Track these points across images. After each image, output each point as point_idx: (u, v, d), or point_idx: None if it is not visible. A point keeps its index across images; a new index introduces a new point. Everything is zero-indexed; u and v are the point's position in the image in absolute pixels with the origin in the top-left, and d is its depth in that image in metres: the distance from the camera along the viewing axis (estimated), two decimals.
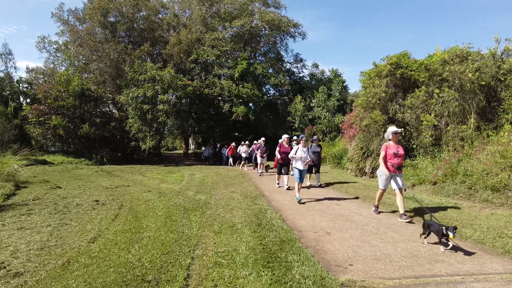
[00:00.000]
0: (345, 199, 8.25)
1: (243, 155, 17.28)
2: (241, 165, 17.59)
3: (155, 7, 27.71)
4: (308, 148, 7.99)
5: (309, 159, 7.87)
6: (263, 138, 15.01)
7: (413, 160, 10.81)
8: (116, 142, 23.24)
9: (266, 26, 26.44)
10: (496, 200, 6.85)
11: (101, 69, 24.46)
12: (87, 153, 21.29)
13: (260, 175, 13.73)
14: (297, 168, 7.85)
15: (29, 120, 21.09)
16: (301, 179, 7.86)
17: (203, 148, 26.92)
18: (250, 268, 3.56)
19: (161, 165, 21.09)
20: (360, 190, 9.36)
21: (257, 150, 14.89)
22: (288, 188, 9.64)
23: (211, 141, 28.07)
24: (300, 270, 3.48)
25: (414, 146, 11.09)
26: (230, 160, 19.92)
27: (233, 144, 19.98)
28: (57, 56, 31.58)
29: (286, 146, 9.75)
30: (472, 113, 9.75)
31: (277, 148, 10.07)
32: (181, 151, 46.89)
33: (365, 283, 3.25)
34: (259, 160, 14.64)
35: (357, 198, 8.33)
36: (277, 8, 27.51)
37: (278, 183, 10.38)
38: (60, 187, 9.84)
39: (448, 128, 10.12)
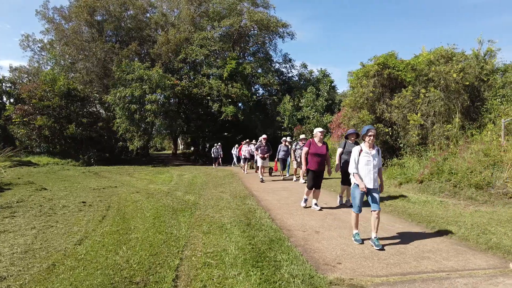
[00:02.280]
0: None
1: (246, 156, 15.58)
2: (247, 167, 15.71)
3: (143, 6, 27.39)
4: (378, 150, 4.60)
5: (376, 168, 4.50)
6: (264, 136, 12.64)
7: (400, 159, 10.99)
8: (104, 143, 22.88)
9: (255, 26, 26.47)
10: (479, 197, 7.04)
11: (87, 69, 24.08)
12: (74, 154, 20.93)
13: (261, 181, 11.36)
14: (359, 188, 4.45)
15: (13, 120, 20.59)
16: (361, 208, 4.56)
17: (192, 148, 26.35)
18: (239, 268, 3.55)
19: (150, 166, 20.87)
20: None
21: (257, 150, 12.53)
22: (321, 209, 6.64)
23: (200, 139, 27.56)
24: (289, 269, 3.49)
25: (401, 145, 11.28)
26: (239, 160, 18.35)
27: (243, 142, 17.62)
28: (42, 55, 31.00)
29: (320, 145, 6.55)
30: (457, 112, 9.98)
31: (304, 149, 6.62)
32: (170, 152, 46.51)
33: (353, 281, 3.29)
34: (259, 162, 12.28)
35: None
36: (265, 8, 27.63)
37: (306, 200, 6.97)
38: (45, 189, 9.62)
39: (434, 127, 10.33)
